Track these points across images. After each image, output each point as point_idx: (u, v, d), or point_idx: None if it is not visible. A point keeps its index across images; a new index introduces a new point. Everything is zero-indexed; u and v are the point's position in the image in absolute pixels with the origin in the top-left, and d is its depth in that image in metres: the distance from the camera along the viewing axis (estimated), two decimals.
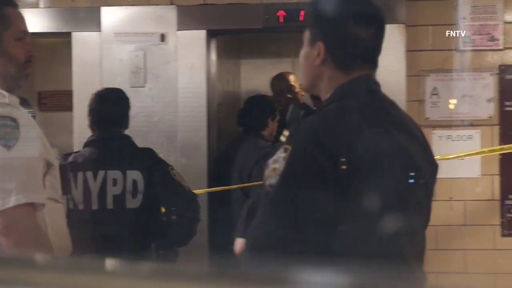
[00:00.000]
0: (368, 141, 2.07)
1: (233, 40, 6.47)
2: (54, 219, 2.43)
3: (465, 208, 4.93)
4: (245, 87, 7.06)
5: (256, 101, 5.25)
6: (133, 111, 4.67)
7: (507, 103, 5.04)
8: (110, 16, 5.07)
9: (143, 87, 5.04)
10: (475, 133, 5.03)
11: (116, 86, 4.64)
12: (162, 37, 5.06)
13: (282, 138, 2.18)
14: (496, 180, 4.99)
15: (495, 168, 5.00)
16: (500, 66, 5.06)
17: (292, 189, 2.05)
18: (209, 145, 5.10)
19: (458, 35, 5.06)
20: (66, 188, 2.94)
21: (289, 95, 5.48)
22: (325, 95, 2.22)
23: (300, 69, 2.31)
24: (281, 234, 2.01)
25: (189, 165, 4.94)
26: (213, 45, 5.34)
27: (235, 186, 4.67)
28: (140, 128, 4.95)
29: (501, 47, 5.05)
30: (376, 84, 2.27)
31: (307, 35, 2.25)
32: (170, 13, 5.08)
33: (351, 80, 2.19)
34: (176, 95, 5.03)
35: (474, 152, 4.87)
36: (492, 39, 5.04)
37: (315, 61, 2.20)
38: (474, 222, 4.95)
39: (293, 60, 7.33)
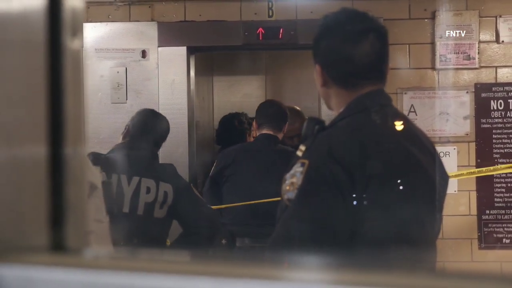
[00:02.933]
0: (381, 153, 2.28)
1: (206, 57, 6.94)
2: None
3: (443, 222, 5.47)
4: (218, 104, 7.53)
5: (231, 120, 5.82)
6: (114, 127, 5.18)
7: (483, 120, 5.63)
8: (91, 32, 5.55)
9: (124, 103, 5.52)
10: (452, 150, 5.59)
11: (97, 102, 5.19)
12: (143, 53, 5.56)
13: (299, 153, 2.31)
14: (473, 196, 5.58)
15: (472, 184, 5.59)
16: (476, 84, 5.66)
17: (311, 202, 2.22)
18: (190, 161, 5.57)
19: (434, 54, 5.63)
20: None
21: (296, 142, 5.51)
22: (338, 112, 2.41)
23: None
24: (302, 247, 2.17)
25: None
26: (192, 61, 5.81)
27: (243, 203, 5.09)
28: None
29: (476, 66, 5.66)
30: (387, 99, 2.44)
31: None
32: (151, 30, 5.59)
33: (361, 96, 2.36)
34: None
35: (453, 174, 5.39)
36: (468, 58, 5.63)
37: (318, 82, 2.44)
38: (452, 236, 5.52)
39: (265, 77, 7.85)
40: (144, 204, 4.24)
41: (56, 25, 0.96)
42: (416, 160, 2.33)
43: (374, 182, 2.20)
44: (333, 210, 2.20)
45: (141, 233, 4.19)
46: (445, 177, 2.51)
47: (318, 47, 2.44)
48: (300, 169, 2.21)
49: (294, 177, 2.22)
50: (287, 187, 2.24)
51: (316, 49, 2.45)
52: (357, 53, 2.36)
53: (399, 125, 2.41)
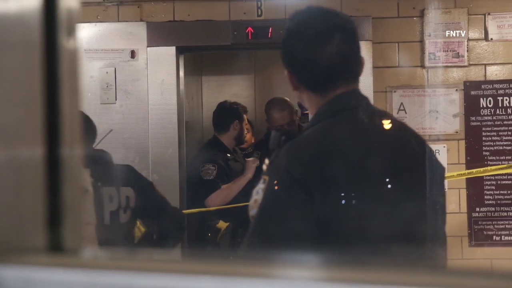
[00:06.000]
0: (342, 162, 2.18)
1: (195, 56, 6.94)
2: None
3: None
4: (207, 104, 7.54)
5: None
6: (104, 128, 5.17)
7: (473, 118, 5.66)
8: (80, 32, 5.51)
9: (113, 103, 5.52)
10: (442, 147, 5.62)
11: (87, 103, 5.17)
12: (132, 54, 5.55)
13: (264, 167, 2.27)
14: (463, 193, 5.60)
15: (462, 182, 5.61)
16: (465, 82, 5.68)
17: (270, 221, 2.15)
18: (180, 161, 5.58)
19: (423, 52, 5.65)
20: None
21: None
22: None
23: None
24: None
25: (161, 181, 5.42)
26: (181, 61, 5.82)
27: (243, 204, 5.31)
28: (111, 145, 5.41)
29: (466, 64, 5.68)
30: (359, 99, 2.32)
31: None
32: (140, 30, 5.59)
33: (329, 101, 2.26)
34: (146, 112, 5.53)
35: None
36: (457, 55, 5.65)
37: (290, 86, 2.34)
38: None
39: (254, 77, 7.86)
40: (110, 213, 4.19)
41: (52, 25, 0.96)
42: (386, 164, 2.24)
43: (332, 194, 2.11)
44: (292, 228, 2.12)
45: (110, 240, 4.16)
46: (437, 174, 2.35)
47: (284, 50, 2.32)
48: (262, 185, 2.16)
49: (257, 194, 2.17)
50: (252, 204, 2.19)
51: (282, 53, 2.32)
52: (323, 56, 2.23)
53: (367, 128, 2.30)
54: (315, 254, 2.09)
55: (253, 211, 2.18)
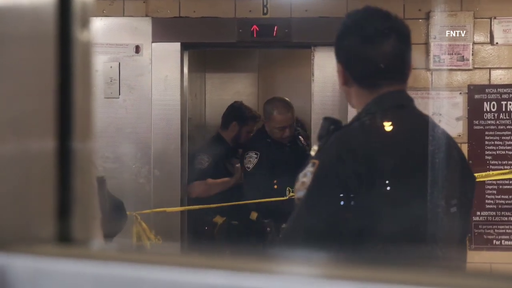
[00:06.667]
0: (389, 154, 2.31)
1: (199, 53, 6.95)
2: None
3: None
4: (209, 101, 7.54)
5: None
6: (107, 122, 5.18)
7: (476, 122, 5.66)
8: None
9: (117, 98, 5.53)
10: None
11: None
12: (137, 49, 5.56)
13: (312, 153, 2.36)
14: None
15: None
16: (469, 85, 5.68)
17: (318, 203, 2.27)
18: (183, 157, 5.59)
19: (428, 54, 5.66)
20: None
21: (287, 133, 5.80)
22: (358, 111, 2.44)
23: None
24: (307, 246, 2.19)
25: (162, 177, 5.44)
26: (186, 58, 5.82)
27: (247, 202, 5.37)
28: (113, 139, 5.43)
29: (470, 67, 5.67)
30: (406, 100, 2.44)
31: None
32: (145, 25, 5.60)
33: (377, 97, 2.37)
34: (150, 107, 5.54)
35: None
36: (462, 59, 5.65)
37: (339, 81, 2.46)
38: None
39: (257, 75, 7.86)
40: None
41: (66, 18, 0.96)
42: (425, 162, 2.31)
43: (381, 182, 2.23)
44: (340, 211, 2.23)
45: None
46: (468, 179, 2.56)
47: (340, 46, 2.45)
48: (311, 169, 2.26)
49: (305, 177, 2.27)
50: (299, 186, 2.30)
51: (338, 48, 2.45)
52: (379, 54, 2.36)
53: (413, 127, 2.42)
54: (354, 244, 2.15)
55: (299, 193, 2.28)
